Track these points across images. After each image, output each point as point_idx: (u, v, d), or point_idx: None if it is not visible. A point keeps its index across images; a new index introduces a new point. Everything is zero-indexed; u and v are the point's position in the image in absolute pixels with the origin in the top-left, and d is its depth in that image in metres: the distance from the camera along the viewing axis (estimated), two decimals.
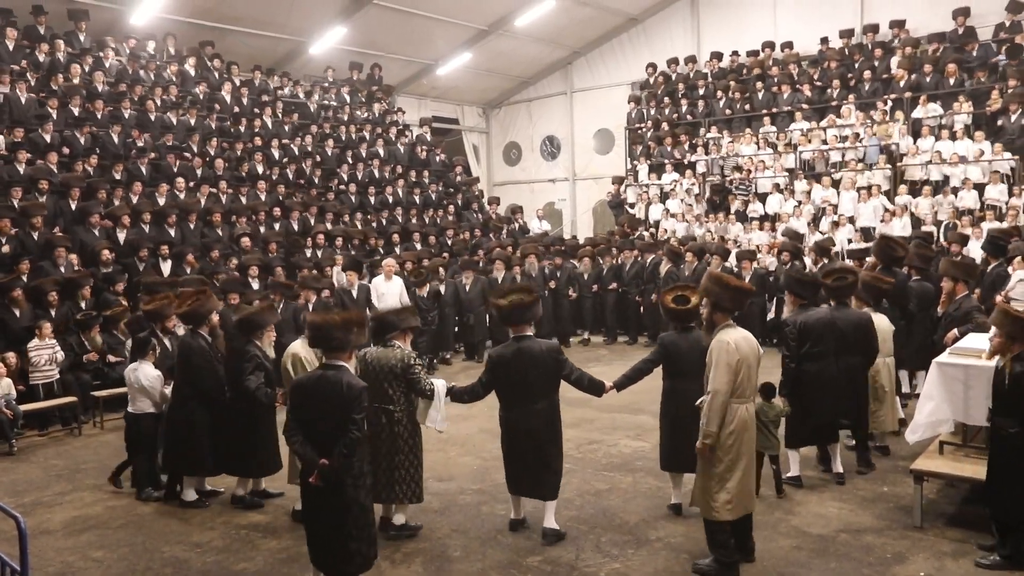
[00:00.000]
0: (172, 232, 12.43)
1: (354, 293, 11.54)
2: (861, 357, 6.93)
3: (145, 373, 6.92)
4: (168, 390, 6.95)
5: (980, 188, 14.01)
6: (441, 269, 13.35)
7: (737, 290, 5.17)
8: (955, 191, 14.21)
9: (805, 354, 6.61)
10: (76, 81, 13.77)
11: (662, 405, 6.15)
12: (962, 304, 7.61)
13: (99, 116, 13.46)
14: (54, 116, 12.93)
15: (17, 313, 9.77)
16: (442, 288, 12.94)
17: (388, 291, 11.54)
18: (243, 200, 14.08)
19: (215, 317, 7.20)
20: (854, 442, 7.09)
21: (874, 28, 17.52)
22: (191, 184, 13.71)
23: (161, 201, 12.92)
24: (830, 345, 6.69)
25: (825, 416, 6.70)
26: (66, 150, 12.74)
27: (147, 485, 6.95)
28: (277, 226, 13.98)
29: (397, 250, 14.35)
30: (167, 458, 6.91)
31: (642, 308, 13.87)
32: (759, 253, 13.58)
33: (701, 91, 19.15)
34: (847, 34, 17.85)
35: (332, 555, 4.71)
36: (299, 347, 6.26)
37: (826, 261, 11.81)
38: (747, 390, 5.04)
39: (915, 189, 14.74)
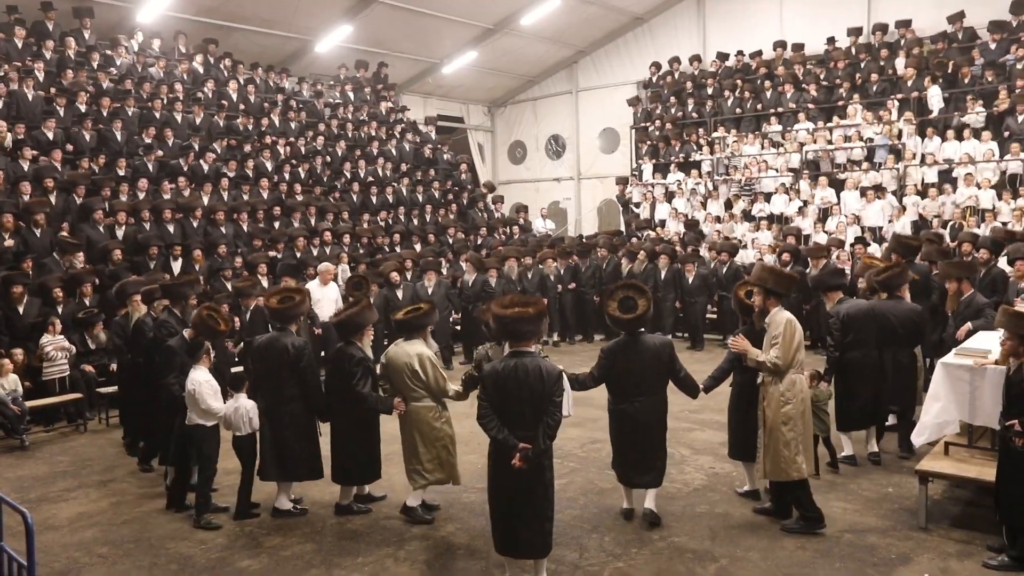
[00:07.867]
0: (171, 229, 12.34)
1: None
2: (909, 346, 7.27)
3: (194, 379, 6.20)
4: (230, 402, 6.37)
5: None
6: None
7: (785, 276, 5.93)
8: (953, 188, 14.21)
9: (848, 343, 6.97)
10: (84, 78, 13.81)
11: (733, 399, 6.43)
12: (972, 302, 7.71)
13: (104, 113, 13.48)
14: (61, 113, 12.96)
15: (20, 310, 9.77)
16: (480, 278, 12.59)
17: (324, 297, 10.77)
18: (246, 198, 14.02)
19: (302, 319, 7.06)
20: (896, 424, 7.36)
21: (883, 28, 17.44)
22: (201, 180, 13.71)
23: (165, 198, 12.89)
24: (872, 334, 7.06)
25: (868, 402, 7.03)
26: (70, 147, 12.75)
27: (206, 509, 6.26)
28: (277, 224, 13.92)
29: (398, 249, 14.29)
30: (266, 466, 6.35)
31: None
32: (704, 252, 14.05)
33: (709, 90, 19.09)
34: (855, 32, 17.77)
35: (529, 538, 4.82)
36: (421, 347, 6.08)
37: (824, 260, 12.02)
38: (801, 362, 5.72)
39: (921, 189, 14.68)
